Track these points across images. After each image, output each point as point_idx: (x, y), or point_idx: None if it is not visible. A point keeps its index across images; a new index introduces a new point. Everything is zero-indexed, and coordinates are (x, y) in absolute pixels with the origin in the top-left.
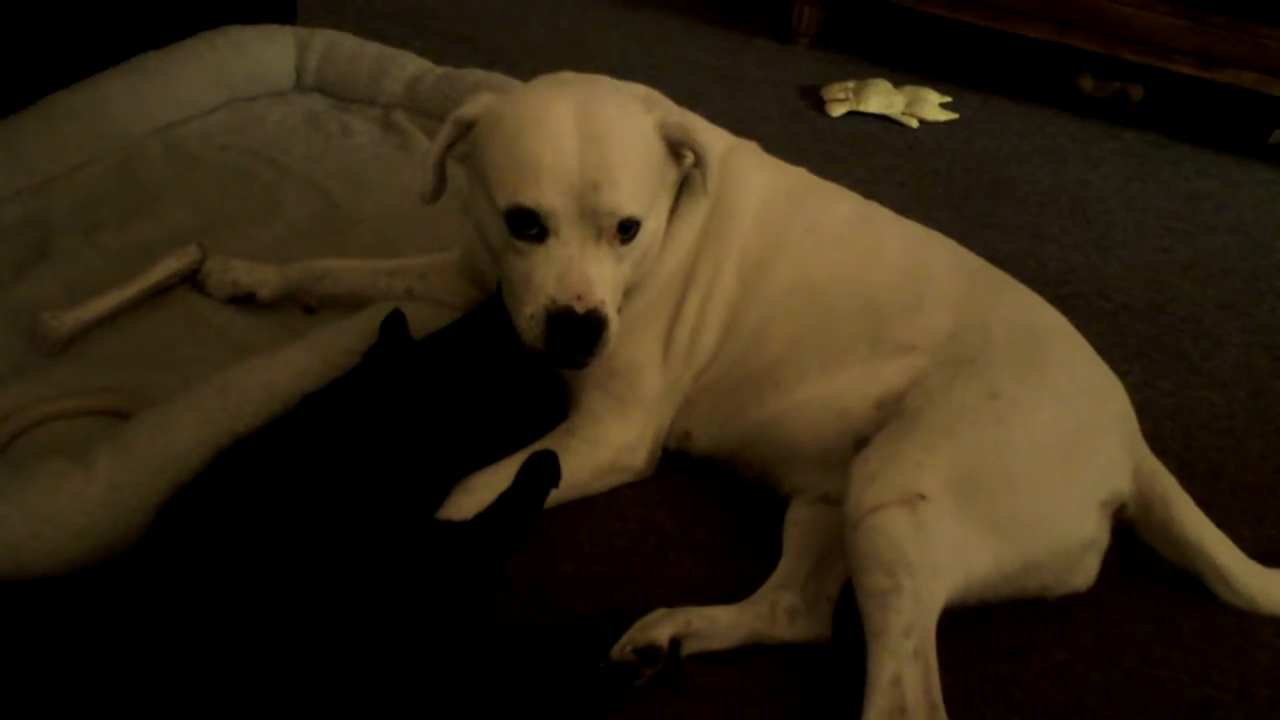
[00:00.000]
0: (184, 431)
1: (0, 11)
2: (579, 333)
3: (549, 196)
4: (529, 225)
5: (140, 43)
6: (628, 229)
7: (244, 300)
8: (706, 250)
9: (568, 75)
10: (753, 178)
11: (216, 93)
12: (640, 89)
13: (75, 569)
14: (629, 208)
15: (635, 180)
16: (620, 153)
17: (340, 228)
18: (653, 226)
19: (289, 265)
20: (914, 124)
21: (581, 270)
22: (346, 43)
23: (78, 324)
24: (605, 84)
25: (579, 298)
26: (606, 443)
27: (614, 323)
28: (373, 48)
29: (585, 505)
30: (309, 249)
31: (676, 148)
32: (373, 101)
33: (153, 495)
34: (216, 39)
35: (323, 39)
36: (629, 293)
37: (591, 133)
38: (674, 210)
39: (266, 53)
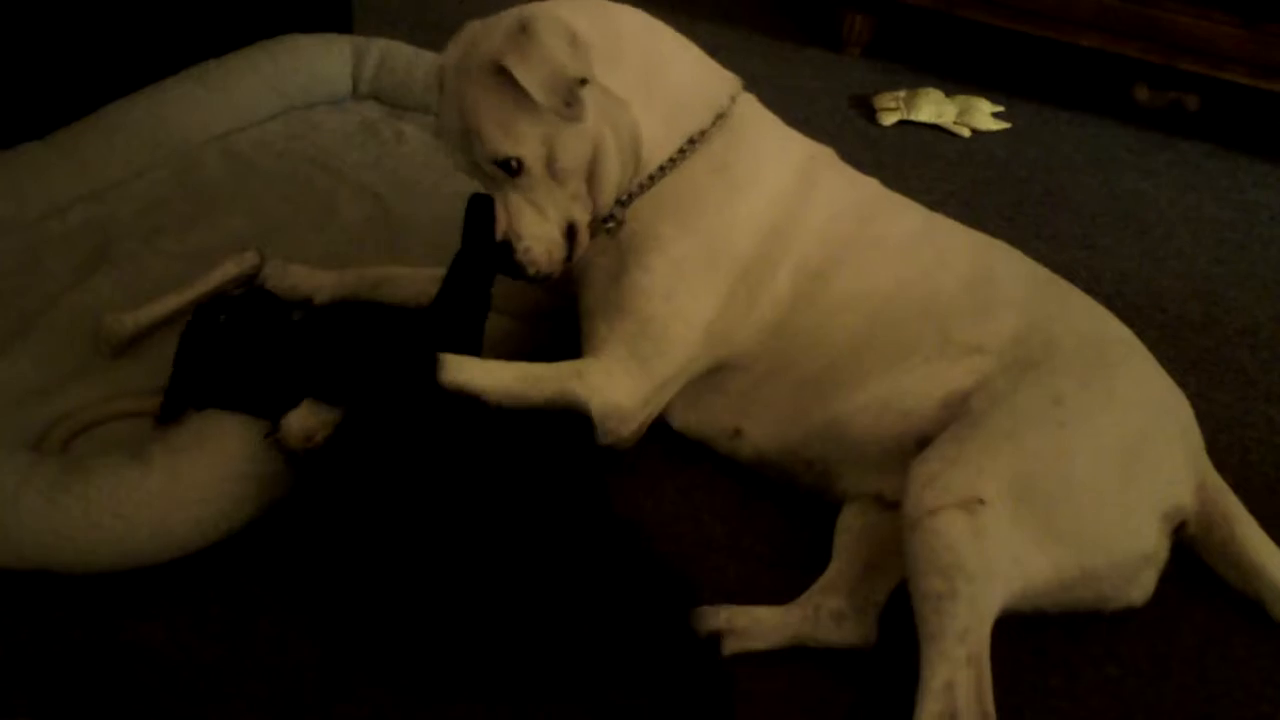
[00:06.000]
0: (233, 425)
1: (62, 21)
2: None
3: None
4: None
5: (199, 52)
6: (510, 169)
7: (300, 305)
8: (766, 251)
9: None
10: (823, 186)
11: (274, 101)
12: (521, 12)
13: (141, 563)
14: (499, 152)
15: (495, 124)
16: (462, 106)
17: (394, 233)
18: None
19: (345, 271)
20: (966, 133)
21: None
22: (402, 52)
23: (139, 326)
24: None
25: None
26: (605, 399)
27: (544, 241)
28: (427, 57)
29: (632, 510)
30: (363, 254)
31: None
32: (427, 110)
33: (209, 486)
34: (275, 48)
35: (379, 48)
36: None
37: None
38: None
39: (323, 62)
